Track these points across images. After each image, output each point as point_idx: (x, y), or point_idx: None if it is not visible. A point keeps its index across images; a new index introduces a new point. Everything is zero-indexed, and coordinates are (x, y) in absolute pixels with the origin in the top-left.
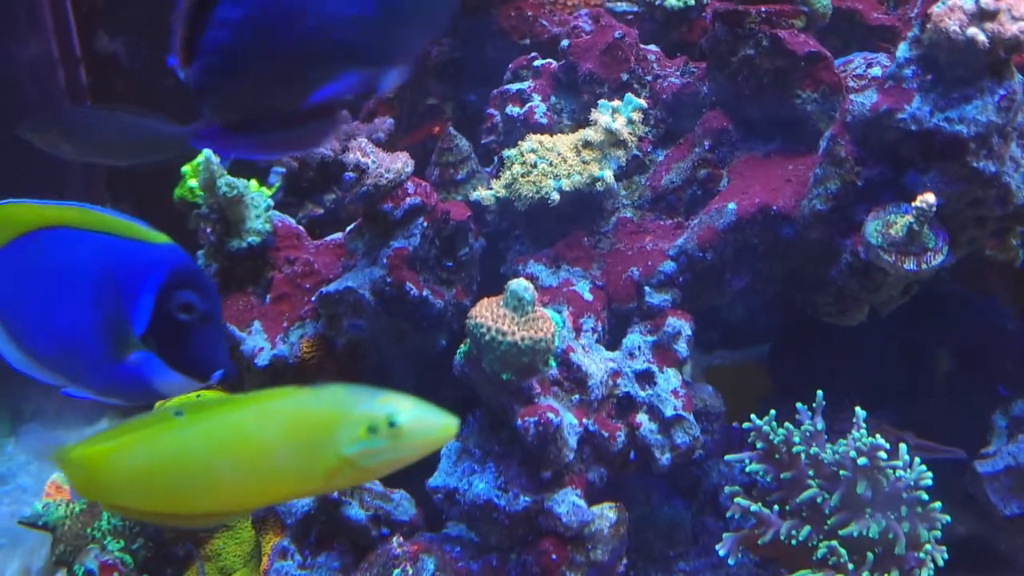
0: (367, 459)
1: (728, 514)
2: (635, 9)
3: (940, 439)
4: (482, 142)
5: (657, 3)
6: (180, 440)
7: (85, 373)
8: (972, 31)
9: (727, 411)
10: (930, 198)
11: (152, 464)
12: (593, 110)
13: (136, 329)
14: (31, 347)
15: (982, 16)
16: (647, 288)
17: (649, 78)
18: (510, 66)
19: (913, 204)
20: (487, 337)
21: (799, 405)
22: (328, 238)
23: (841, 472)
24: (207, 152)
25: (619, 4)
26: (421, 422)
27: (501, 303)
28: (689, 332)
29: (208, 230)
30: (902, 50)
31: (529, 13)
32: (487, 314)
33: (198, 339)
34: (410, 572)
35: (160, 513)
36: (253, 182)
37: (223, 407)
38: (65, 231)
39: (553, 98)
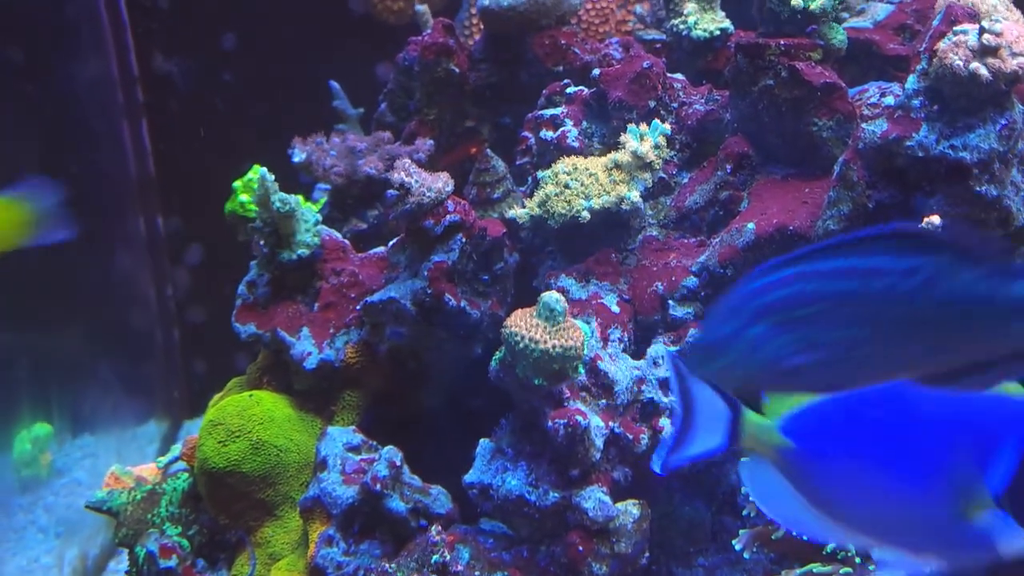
0: None
1: (744, 512)
2: (663, 38)
3: None
4: (517, 163)
5: (684, 33)
6: None
7: (914, 533)
8: (975, 66)
9: None
10: (935, 220)
11: None
12: (622, 135)
13: (994, 486)
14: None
15: (984, 52)
16: (671, 302)
17: (675, 105)
18: (544, 92)
19: (919, 226)
20: (521, 345)
21: None
22: (372, 251)
23: None
24: (262, 170)
25: (648, 33)
26: None
27: (534, 314)
28: None
29: (261, 242)
30: (911, 82)
31: (563, 41)
32: (521, 324)
33: None
34: (448, 557)
35: None
36: (300, 198)
37: None
38: None
39: (584, 123)
